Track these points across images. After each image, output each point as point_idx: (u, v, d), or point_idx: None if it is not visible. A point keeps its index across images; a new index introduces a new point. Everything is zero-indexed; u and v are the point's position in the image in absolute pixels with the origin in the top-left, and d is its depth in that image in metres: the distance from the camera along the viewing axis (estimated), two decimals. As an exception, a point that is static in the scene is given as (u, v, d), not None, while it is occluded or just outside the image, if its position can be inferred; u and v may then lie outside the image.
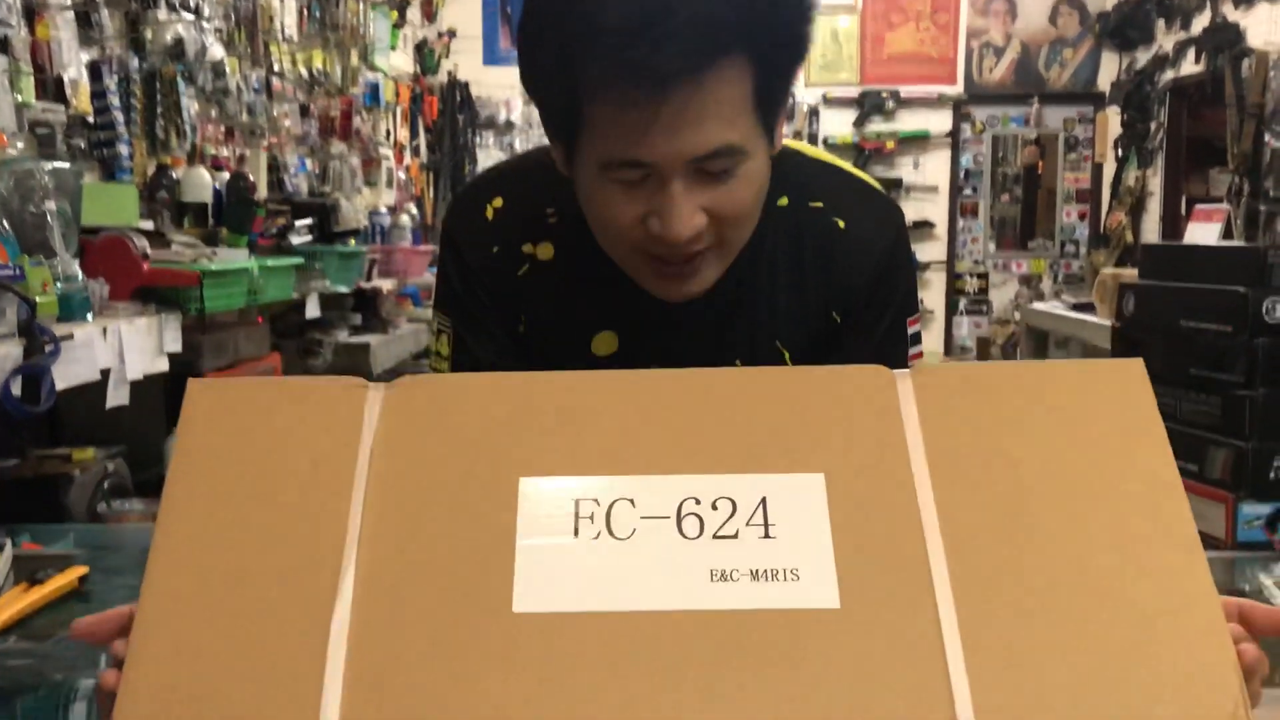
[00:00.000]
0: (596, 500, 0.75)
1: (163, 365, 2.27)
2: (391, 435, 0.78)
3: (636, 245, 0.97)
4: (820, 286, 1.09)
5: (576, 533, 0.74)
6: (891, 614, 0.71)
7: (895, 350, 1.12)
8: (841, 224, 1.09)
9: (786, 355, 1.10)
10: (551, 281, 1.10)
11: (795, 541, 0.73)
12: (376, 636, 0.70)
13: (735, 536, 0.73)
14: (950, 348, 7.76)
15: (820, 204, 1.09)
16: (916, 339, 1.14)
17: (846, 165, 1.15)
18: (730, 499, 0.75)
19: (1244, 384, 1.54)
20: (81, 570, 1.25)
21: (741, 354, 1.10)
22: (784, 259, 1.09)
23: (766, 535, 0.74)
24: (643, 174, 0.92)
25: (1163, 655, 0.70)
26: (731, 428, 0.79)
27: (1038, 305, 4.45)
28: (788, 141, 1.11)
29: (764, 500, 0.75)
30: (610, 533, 0.74)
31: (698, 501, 0.75)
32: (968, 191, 7.93)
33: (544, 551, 0.73)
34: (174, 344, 2.30)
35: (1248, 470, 1.53)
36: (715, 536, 0.73)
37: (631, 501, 0.75)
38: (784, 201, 1.09)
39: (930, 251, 7.93)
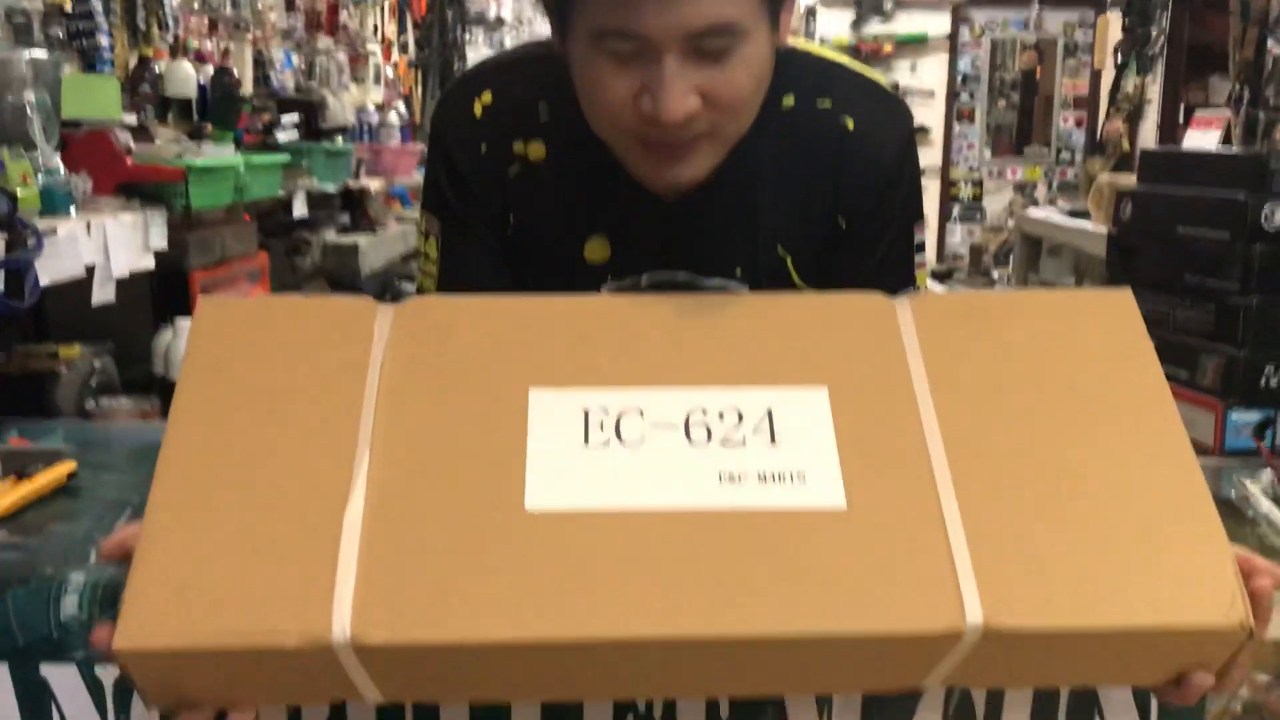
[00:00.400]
0: (606, 410, 0.76)
1: (149, 262, 2.25)
2: (401, 351, 0.79)
3: (628, 127, 0.93)
4: (826, 189, 1.06)
5: (587, 439, 0.75)
6: (898, 514, 0.72)
7: (902, 258, 1.10)
8: (850, 124, 1.05)
9: (789, 260, 1.08)
10: (542, 183, 1.07)
11: (801, 448, 0.75)
12: (389, 534, 0.71)
13: (742, 443, 0.75)
14: (943, 255, 7.74)
15: (828, 103, 1.06)
16: (921, 247, 1.12)
17: (856, 64, 1.11)
18: (737, 409, 0.77)
19: (1239, 291, 1.53)
20: (70, 466, 1.24)
21: (742, 261, 1.07)
22: (789, 160, 1.06)
23: (773, 442, 0.75)
24: (635, 47, 0.88)
25: (1162, 551, 0.72)
26: (736, 347, 0.80)
27: (1032, 212, 4.42)
28: (794, 40, 1.07)
29: (770, 411, 0.77)
30: (620, 439, 0.75)
31: (705, 412, 0.77)
32: (964, 97, 7.83)
33: (555, 454, 0.74)
34: (160, 241, 2.28)
35: (1239, 377, 1.53)
36: (723, 443, 0.75)
37: (640, 412, 0.76)
38: (790, 101, 1.06)
39: (925, 157, 7.82)
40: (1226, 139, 3.49)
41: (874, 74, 1.12)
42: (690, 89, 0.89)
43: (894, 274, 1.09)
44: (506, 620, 0.67)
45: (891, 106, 1.09)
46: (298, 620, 0.67)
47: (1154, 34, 6.73)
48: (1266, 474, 1.43)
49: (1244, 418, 1.53)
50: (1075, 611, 0.69)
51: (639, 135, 0.94)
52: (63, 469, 1.23)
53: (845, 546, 0.70)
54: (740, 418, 0.76)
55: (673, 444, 0.75)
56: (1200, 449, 1.54)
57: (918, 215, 1.11)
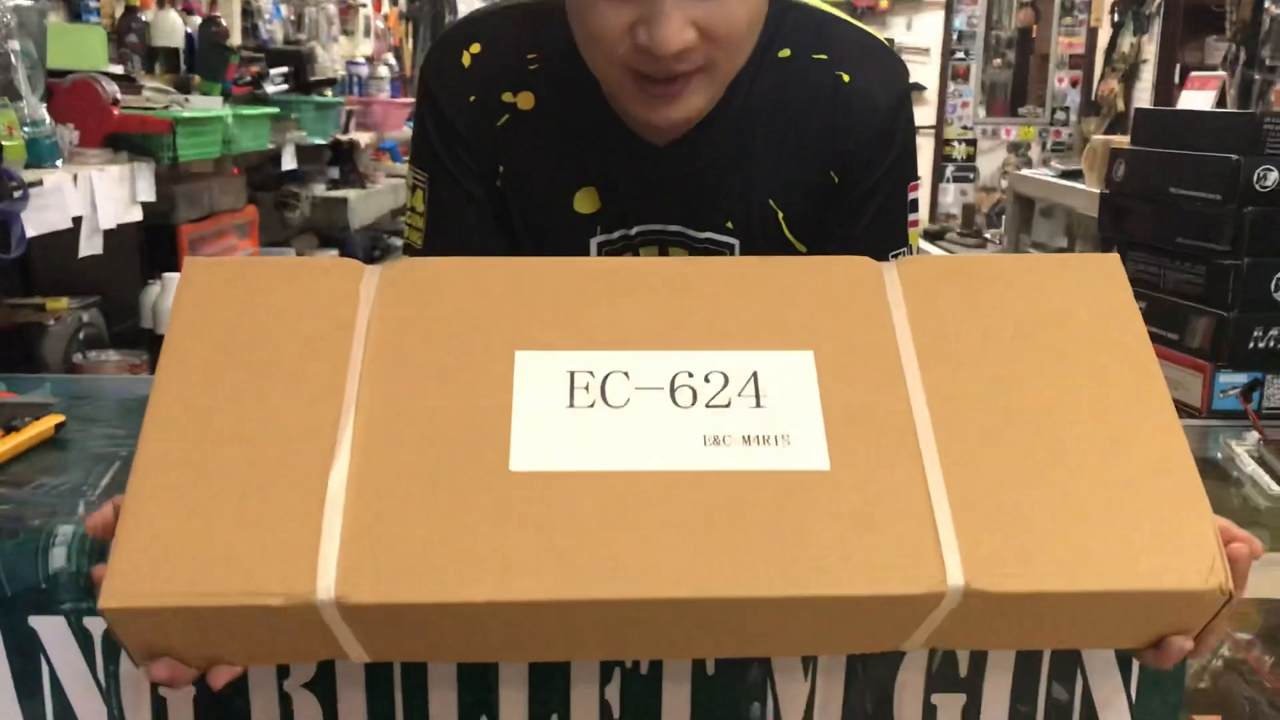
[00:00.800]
0: (591, 372, 0.76)
1: (136, 215, 2.23)
2: (388, 312, 0.79)
3: (622, 61, 0.93)
4: (820, 143, 1.05)
5: (572, 401, 0.75)
6: (881, 476, 0.73)
7: (894, 218, 1.09)
8: (846, 78, 1.05)
9: (780, 215, 1.08)
10: (532, 133, 1.06)
11: (786, 410, 0.75)
12: (374, 492, 0.71)
13: (727, 406, 0.75)
14: (935, 215, 7.72)
15: (824, 56, 1.05)
16: (915, 206, 1.11)
17: (852, 19, 1.10)
18: (722, 372, 0.77)
19: (1229, 253, 1.53)
20: (58, 418, 1.24)
21: (734, 214, 1.07)
22: (783, 112, 1.05)
23: (758, 405, 0.76)
24: None
25: (1143, 514, 0.72)
26: (722, 309, 0.80)
27: (1025, 172, 4.41)
28: None
29: (755, 374, 0.77)
30: (605, 401, 0.75)
31: (690, 374, 0.77)
32: (959, 54, 7.78)
33: (540, 415, 0.74)
34: (147, 193, 2.26)
35: (1227, 340, 1.53)
36: (708, 405, 0.75)
37: (625, 374, 0.76)
38: (786, 53, 1.05)
39: (919, 116, 7.78)
40: (1222, 100, 3.48)
41: (870, 29, 1.11)
42: (686, 22, 0.89)
43: (886, 233, 1.09)
44: (491, 581, 0.67)
45: (888, 63, 1.08)
46: (283, 580, 0.67)
47: (1151, -7, 6.68)
48: (1252, 436, 1.44)
49: (1232, 380, 1.54)
50: (1055, 575, 0.70)
51: (633, 70, 0.93)
52: (50, 421, 1.23)
53: (828, 509, 0.71)
54: (726, 380, 0.76)
55: (658, 406, 0.75)
56: (1188, 410, 1.55)
57: (911, 175, 1.11)
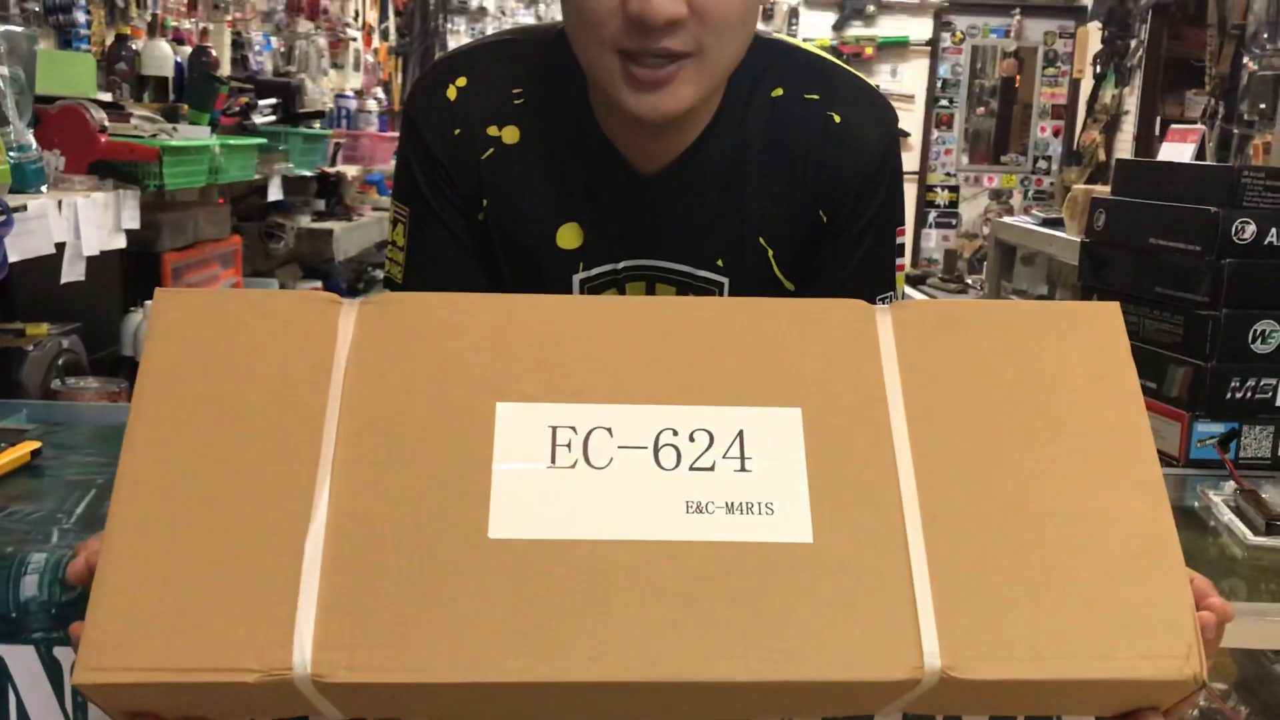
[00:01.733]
0: (574, 428, 0.74)
1: (120, 242, 2.22)
2: (366, 355, 0.77)
3: (613, 42, 0.93)
4: (809, 181, 1.06)
5: (553, 460, 0.73)
6: (863, 551, 0.71)
7: (883, 261, 1.10)
8: (837, 118, 1.06)
9: (770, 253, 1.08)
10: (516, 167, 1.06)
11: (771, 475, 0.74)
12: (350, 559, 0.70)
13: (711, 469, 0.74)
14: (917, 260, 7.77)
15: (816, 96, 1.06)
16: (902, 250, 1.12)
17: (844, 64, 1.12)
18: (708, 431, 0.75)
19: (1208, 304, 1.55)
20: (34, 445, 1.23)
21: (724, 252, 1.08)
22: (774, 149, 1.06)
23: (742, 468, 0.74)
24: None
25: (1123, 597, 0.72)
26: (711, 358, 0.78)
27: (1007, 219, 4.45)
28: (784, 36, 1.09)
29: (741, 433, 0.75)
30: (587, 461, 0.73)
31: (675, 432, 0.75)
32: (944, 102, 7.87)
33: (520, 477, 0.72)
34: (132, 221, 2.25)
35: (1205, 389, 1.55)
36: (692, 468, 0.74)
37: (609, 430, 0.74)
38: (778, 92, 1.06)
39: (903, 162, 7.87)
40: (1201, 153, 3.52)
41: (860, 74, 1.13)
42: None
43: (873, 276, 1.09)
44: (467, 661, 0.67)
45: (879, 106, 1.10)
46: (257, 655, 0.66)
47: (1132, 46, 6.78)
48: (1229, 485, 1.45)
49: (1209, 429, 1.55)
50: (1032, 662, 0.69)
51: (622, 48, 0.93)
52: (26, 448, 1.22)
53: (809, 587, 0.70)
54: (711, 439, 0.75)
55: (641, 467, 0.73)
56: (1166, 459, 1.56)
57: (899, 219, 1.12)
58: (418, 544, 0.70)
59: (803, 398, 0.76)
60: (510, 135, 1.06)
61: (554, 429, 0.74)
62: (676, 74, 0.94)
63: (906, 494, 0.74)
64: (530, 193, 1.07)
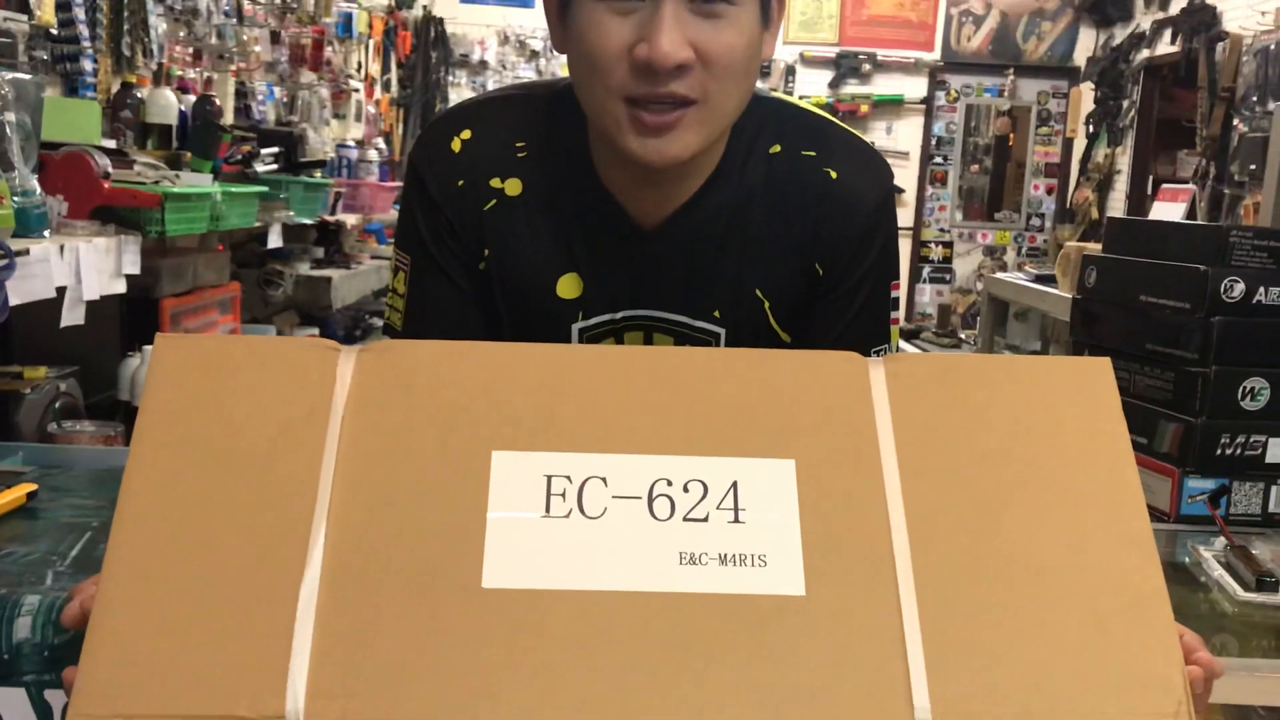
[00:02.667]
0: (569, 477, 0.75)
1: (120, 287, 2.24)
2: (363, 402, 0.77)
3: (620, 87, 0.95)
4: (806, 236, 1.08)
5: (548, 509, 0.74)
6: (855, 604, 0.72)
7: (878, 314, 1.12)
8: (833, 174, 1.08)
9: (767, 305, 1.10)
10: (518, 218, 1.08)
11: (764, 527, 0.74)
12: (345, 607, 0.70)
13: (705, 520, 0.74)
14: (911, 314, 7.81)
15: (813, 153, 1.09)
16: (896, 304, 1.14)
17: (840, 122, 1.15)
18: (702, 481, 0.75)
19: (1198, 361, 1.56)
20: (30, 487, 1.24)
21: (722, 303, 1.09)
22: (771, 203, 1.08)
23: (736, 520, 0.74)
24: None
25: (1113, 654, 0.72)
26: (706, 409, 0.79)
27: (1000, 275, 4.48)
28: (783, 94, 1.12)
29: (735, 484, 0.75)
30: (581, 511, 0.74)
31: (669, 483, 0.75)
32: (938, 159, 7.95)
33: (515, 527, 0.73)
34: (132, 266, 2.27)
35: (1195, 446, 1.56)
36: (685, 519, 0.74)
37: (604, 480, 0.75)
38: (776, 148, 1.09)
39: (898, 217, 7.92)
40: (1192, 212, 3.56)
41: (856, 132, 1.15)
42: (684, 41, 0.93)
43: (868, 329, 1.11)
44: (459, 710, 0.67)
45: (874, 162, 1.12)
46: (251, 702, 0.67)
47: (1125, 107, 6.87)
48: (1220, 541, 1.46)
49: (1200, 485, 1.56)
50: (1022, 716, 0.69)
51: (629, 95, 0.95)
52: (22, 490, 1.22)
53: (800, 638, 0.70)
54: (705, 490, 0.75)
55: (635, 518, 0.74)
56: (1157, 514, 1.57)
57: (894, 273, 1.13)
58: (412, 592, 0.70)
59: (797, 449, 0.77)
60: (513, 187, 1.08)
61: (549, 478, 0.75)
62: (681, 119, 0.96)
63: (899, 547, 0.74)
64: (531, 243, 1.08)
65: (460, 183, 1.08)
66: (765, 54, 1.02)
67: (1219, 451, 1.55)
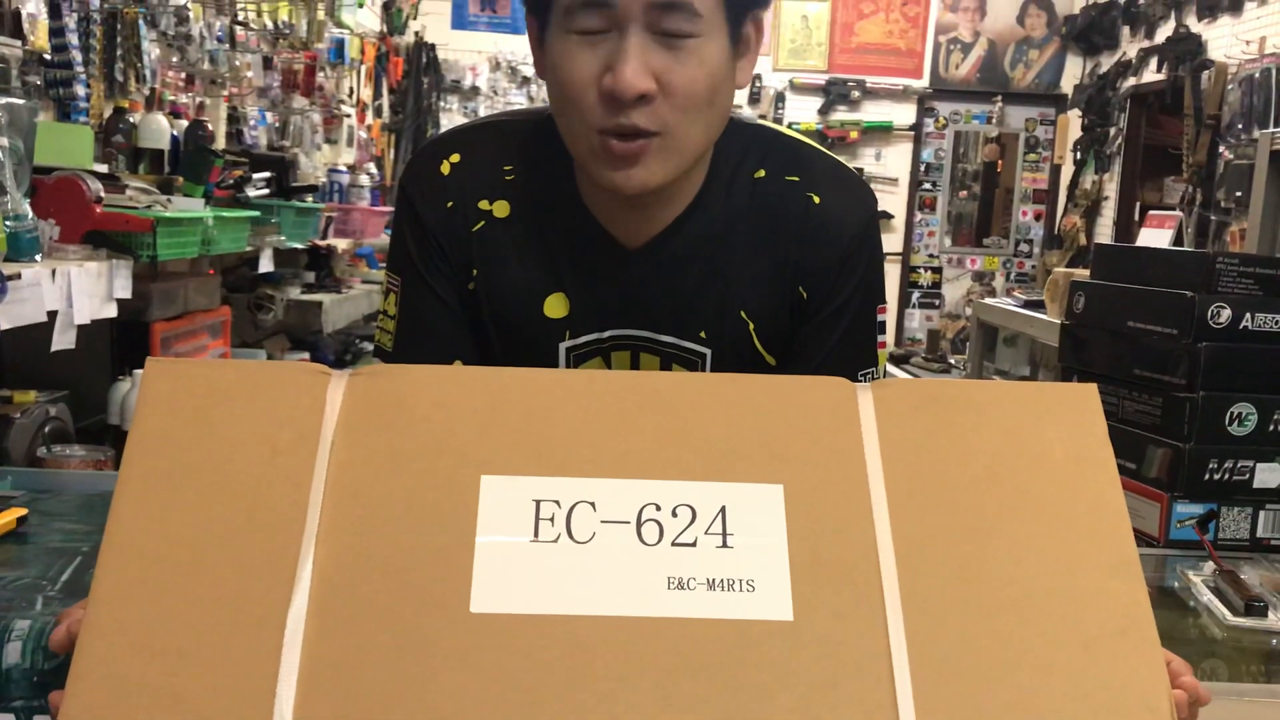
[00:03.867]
0: (558, 502, 0.75)
1: (111, 311, 2.24)
2: (353, 427, 0.77)
3: (590, 117, 0.98)
4: (789, 259, 1.10)
5: (536, 534, 0.74)
6: (843, 630, 0.72)
7: (863, 338, 1.13)
8: (816, 199, 1.10)
9: (751, 327, 1.11)
10: (506, 239, 1.10)
11: (752, 552, 0.74)
12: (333, 632, 0.70)
13: (694, 545, 0.74)
14: (901, 339, 7.83)
15: (797, 178, 1.10)
16: (882, 328, 1.15)
17: (824, 149, 1.17)
18: (690, 506, 0.75)
19: (1185, 386, 1.57)
20: (20, 511, 1.23)
21: (707, 324, 1.10)
22: (755, 227, 1.10)
23: (724, 545, 0.74)
24: (604, 22, 0.95)
25: (1100, 678, 0.72)
26: (694, 434, 0.79)
27: (989, 301, 4.50)
28: (767, 122, 1.15)
29: (723, 509, 0.76)
30: (570, 535, 0.74)
31: (658, 508, 0.75)
32: (927, 185, 7.99)
33: (503, 551, 0.73)
34: (124, 290, 2.27)
35: (1184, 471, 1.56)
36: (674, 544, 0.74)
37: (592, 505, 0.75)
38: (761, 173, 1.10)
39: (887, 243, 7.97)
40: (1179, 238, 3.59)
41: (840, 159, 1.17)
42: (647, 70, 0.95)
43: (854, 353, 1.12)
44: None
45: (857, 188, 1.13)
46: None
47: (1112, 133, 6.92)
48: (1208, 566, 1.46)
49: (1188, 510, 1.56)
50: None
51: (600, 127, 0.97)
52: (12, 515, 1.22)
53: (788, 663, 0.70)
54: (693, 515, 0.75)
55: (623, 543, 0.74)
56: (1146, 539, 1.57)
57: (879, 297, 1.14)
58: (400, 617, 0.70)
59: (785, 474, 0.77)
60: (501, 209, 1.10)
61: (538, 503, 0.75)
62: (645, 149, 0.98)
63: (886, 572, 0.74)
64: (519, 264, 1.10)
65: (449, 204, 1.09)
66: (740, 81, 1.04)
67: (1207, 476, 1.56)
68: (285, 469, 0.76)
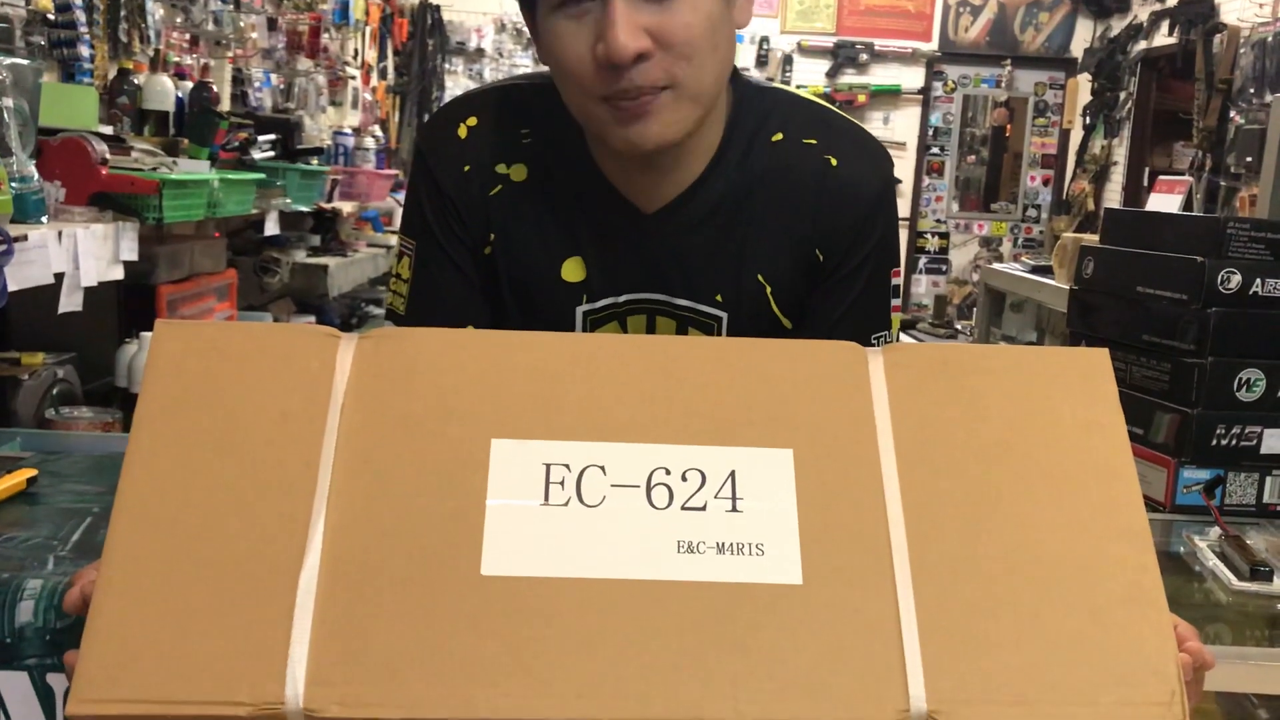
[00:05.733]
0: (568, 466, 0.75)
1: (118, 273, 2.23)
2: (363, 389, 0.78)
3: (591, 86, 0.96)
4: (806, 222, 1.09)
5: (547, 497, 0.74)
6: (852, 593, 0.72)
7: (877, 301, 1.13)
8: (834, 162, 1.09)
9: (768, 290, 1.11)
10: (523, 203, 1.09)
11: (762, 516, 0.74)
12: (344, 594, 0.70)
13: (703, 509, 0.74)
14: (907, 305, 7.82)
15: (814, 141, 1.10)
16: (897, 291, 1.15)
17: (842, 111, 1.16)
18: (700, 470, 0.76)
19: (1194, 352, 1.57)
20: (31, 472, 1.24)
21: (723, 288, 1.10)
22: (773, 190, 1.09)
23: (734, 509, 0.75)
24: None
25: (1108, 643, 0.73)
26: (705, 398, 0.79)
27: (996, 266, 4.49)
28: (782, 85, 1.14)
29: (733, 473, 0.76)
30: (580, 499, 0.74)
31: (668, 471, 0.76)
32: (935, 150, 7.95)
33: (513, 515, 0.73)
34: (130, 252, 2.26)
35: (1191, 436, 1.56)
36: (684, 508, 0.74)
37: (602, 469, 0.75)
38: (778, 136, 1.10)
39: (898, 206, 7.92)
40: (1189, 204, 3.57)
41: (857, 121, 1.16)
42: (638, 28, 0.93)
43: (868, 316, 1.12)
44: (458, 698, 0.67)
45: (874, 151, 1.13)
46: (250, 689, 0.67)
47: (1121, 98, 6.87)
48: (1214, 531, 1.47)
49: (1195, 475, 1.56)
50: (1017, 706, 0.70)
51: (602, 94, 0.96)
52: (22, 475, 1.22)
53: (797, 627, 0.71)
54: (703, 479, 0.75)
55: (633, 506, 0.74)
56: (1152, 505, 1.57)
57: (894, 261, 1.14)
58: (411, 580, 0.71)
59: (795, 439, 0.77)
60: (518, 173, 1.09)
61: (548, 466, 0.75)
62: (655, 103, 0.97)
63: (895, 537, 0.75)
64: (536, 228, 1.09)
65: (466, 168, 1.09)
66: (739, 21, 1.02)
67: (1214, 442, 1.56)
68: (296, 431, 0.76)
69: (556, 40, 0.97)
